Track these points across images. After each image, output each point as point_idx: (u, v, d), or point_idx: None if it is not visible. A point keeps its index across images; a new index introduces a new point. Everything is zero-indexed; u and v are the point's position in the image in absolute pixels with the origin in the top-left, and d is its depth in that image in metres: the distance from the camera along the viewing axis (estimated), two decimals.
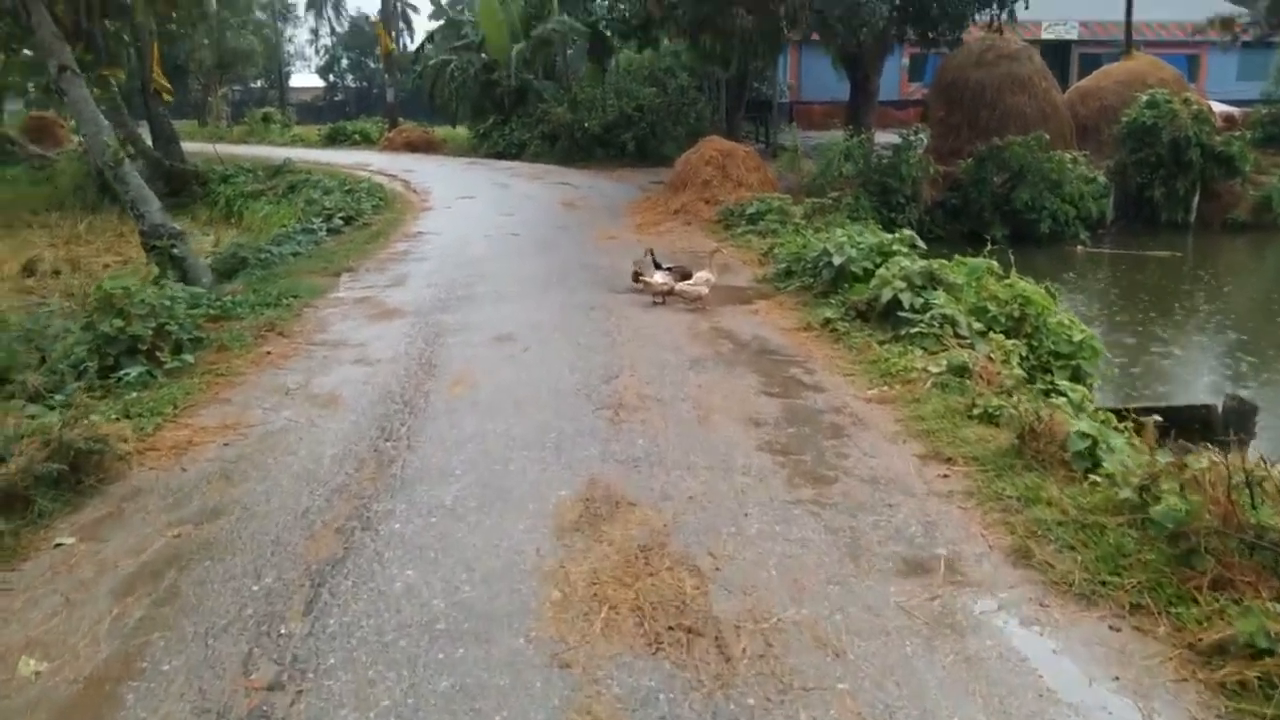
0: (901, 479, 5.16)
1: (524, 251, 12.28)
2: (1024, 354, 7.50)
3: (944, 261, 8.42)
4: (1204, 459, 4.15)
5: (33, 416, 5.18)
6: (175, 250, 11.00)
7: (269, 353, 7.37)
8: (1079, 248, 19.06)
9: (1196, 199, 21.09)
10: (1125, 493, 4.54)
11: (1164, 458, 4.43)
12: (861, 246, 9.32)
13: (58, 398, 5.70)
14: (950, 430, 5.77)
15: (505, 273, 10.80)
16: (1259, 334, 13.96)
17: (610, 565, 4.02)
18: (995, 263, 8.53)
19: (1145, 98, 20.76)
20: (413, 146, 31.90)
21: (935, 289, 8.01)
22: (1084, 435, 5.22)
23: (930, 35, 20.66)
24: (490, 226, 14.40)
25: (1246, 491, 4.03)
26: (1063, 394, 6.87)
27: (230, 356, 7.19)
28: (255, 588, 3.91)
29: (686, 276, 9.34)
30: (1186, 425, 7.87)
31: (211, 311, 8.36)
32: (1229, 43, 28.44)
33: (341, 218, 15.11)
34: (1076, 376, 7.74)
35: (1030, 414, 5.37)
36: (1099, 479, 4.84)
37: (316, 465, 5.16)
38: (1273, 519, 3.90)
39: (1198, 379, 12.01)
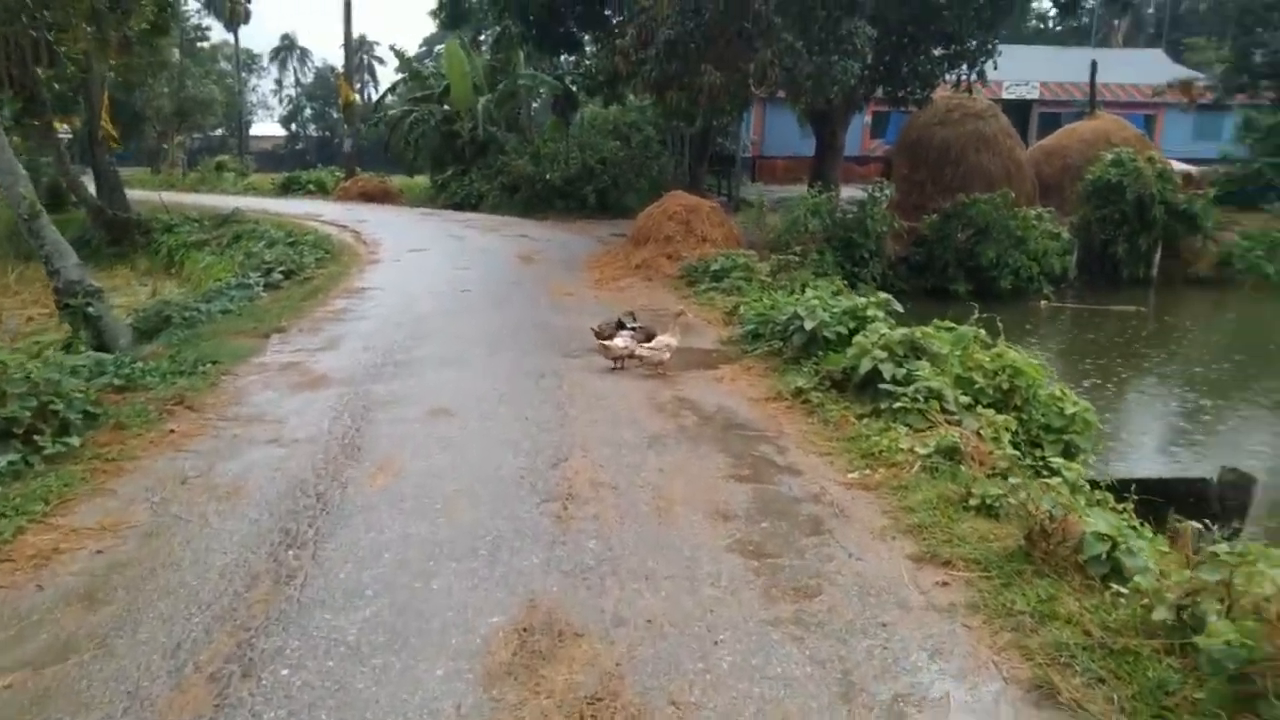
0: (895, 588, 4.43)
1: (473, 309, 11.49)
2: (1014, 429, 6.87)
3: (926, 330, 7.79)
4: (1267, 582, 3.44)
5: None
6: (90, 309, 10.08)
7: (172, 431, 6.48)
8: (1043, 303, 18.85)
9: (1159, 255, 21.04)
10: (1160, 613, 3.85)
11: (1211, 575, 3.73)
12: (834, 310, 8.68)
13: None
14: (945, 525, 5.08)
15: (451, 334, 9.99)
16: (1223, 387, 13.58)
17: None
18: (982, 330, 7.91)
19: (1110, 156, 20.73)
20: (368, 196, 31.16)
21: (918, 358, 7.38)
22: (1102, 537, 4.54)
23: (899, 94, 20.59)
24: (440, 281, 13.61)
25: None
26: (1056, 472, 6.20)
27: (126, 436, 6.28)
28: None
29: (650, 338, 8.65)
30: (1182, 500, 7.30)
31: (116, 381, 7.47)
32: (1188, 105, 28.79)
33: (281, 271, 14.26)
34: (1068, 452, 7.13)
35: (1041, 512, 4.67)
36: (1123, 591, 4.14)
37: (201, 581, 4.28)
38: None
39: (1168, 440, 11.51)
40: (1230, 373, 14.56)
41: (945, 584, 4.47)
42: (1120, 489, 6.10)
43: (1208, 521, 6.52)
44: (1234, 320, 19.76)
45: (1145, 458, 10.50)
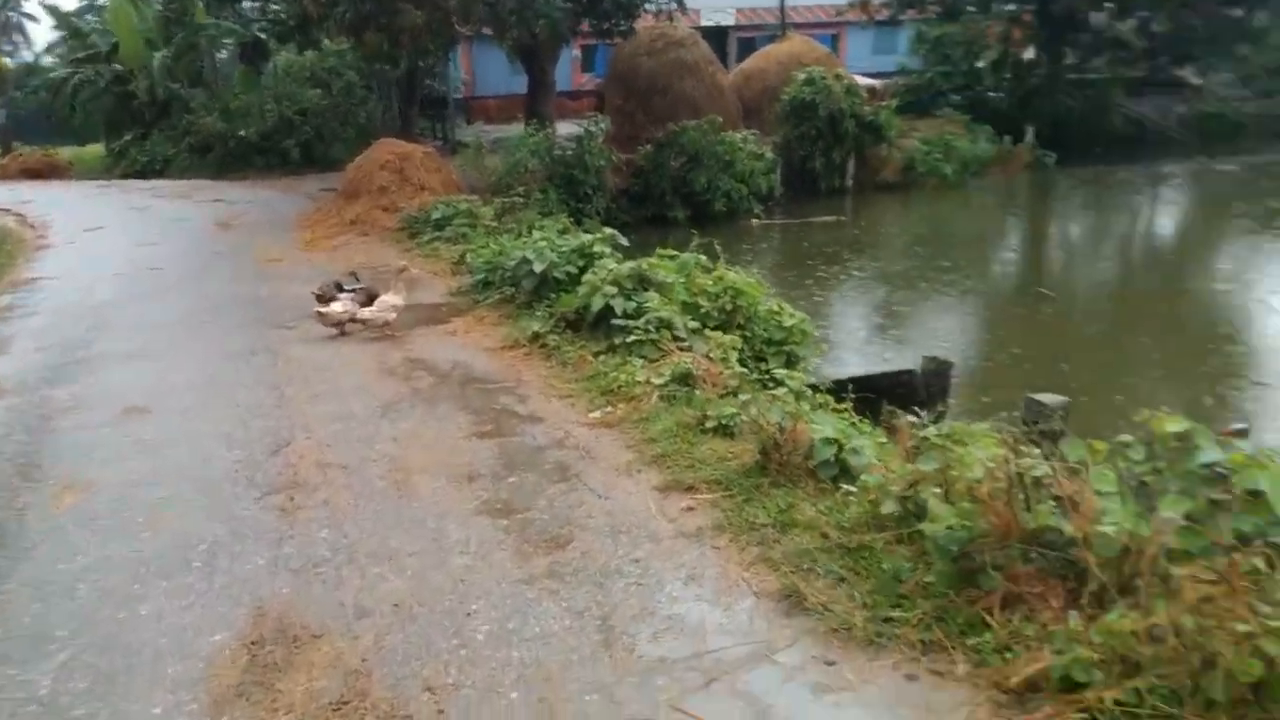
0: (644, 522, 4.46)
1: (166, 289, 10.29)
2: (740, 347, 7.13)
3: (651, 261, 7.88)
4: (977, 468, 3.71)
5: None
6: None
7: None
8: (754, 221, 19.80)
9: (852, 165, 22.64)
10: (888, 506, 4.09)
11: (928, 464, 3.99)
12: (563, 250, 8.58)
13: None
14: (686, 450, 5.19)
15: (141, 320, 8.89)
16: (915, 281, 15.01)
17: None
18: (703, 255, 8.12)
19: (803, 76, 21.90)
20: (32, 173, 27.21)
21: (647, 290, 7.45)
22: (829, 441, 4.77)
23: (604, 26, 20.68)
24: (123, 261, 12.07)
25: (1020, 494, 3.64)
26: (781, 383, 6.50)
27: None
28: None
29: (373, 299, 8.16)
30: (892, 392, 7.92)
31: None
32: (866, 22, 31.05)
33: None
34: (790, 362, 7.51)
35: (771, 425, 4.83)
36: (853, 490, 4.38)
37: None
38: (1049, 518, 3.52)
39: (876, 337, 12.57)
40: (919, 267, 16.06)
41: (691, 509, 4.54)
42: (838, 389, 6.47)
43: (916, 409, 7.10)
44: (919, 219, 21.79)
45: (858, 356, 11.36)
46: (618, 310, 7.18)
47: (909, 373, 9.03)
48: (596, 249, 8.69)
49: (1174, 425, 3.58)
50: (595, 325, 7.35)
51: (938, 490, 3.95)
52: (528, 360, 7.09)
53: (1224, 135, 27.77)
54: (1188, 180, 24.78)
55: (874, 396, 7.04)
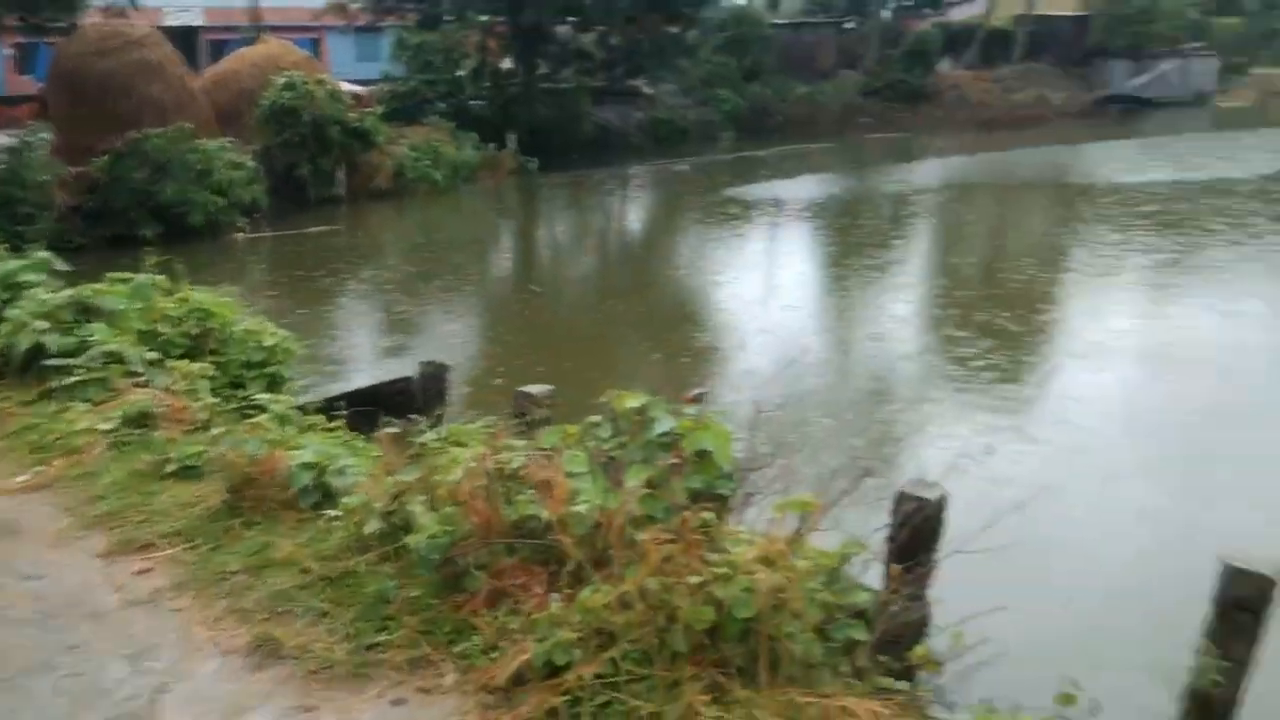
0: (85, 597, 3.81)
1: None
2: (212, 375, 6.45)
3: (96, 286, 6.84)
4: (458, 470, 3.65)
5: None
6: None
7: None
8: (238, 235, 18.52)
9: (343, 173, 22.09)
10: (372, 525, 3.88)
11: (410, 474, 3.86)
12: None
13: None
14: (140, 503, 4.55)
15: None
16: (412, 286, 15.14)
17: None
18: (162, 276, 7.23)
19: (282, 80, 20.86)
20: None
21: (91, 321, 6.44)
22: (308, 466, 4.43)
23: (36, 22, 17.84)
24: None
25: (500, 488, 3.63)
26: (263, 409, 5.98)
27: None
28: None
29: None
30: (392, 401, 7.74)
31: None
32: (345, 26, 30.44)
33: None
34: (274, 384, 6.98)
35: (242, 458, 4.37)
36: (337, 514, 4.10)
37: None
38: (529, 507, 3.55)
39: (378, 346, 12.43)
40: (418, 273, 16.19)
41: (147, 570, 3.98)
42: (330, 407, 6.14)
43: (414, 416, 6.98)
44: (414, 225, 21.97)
45: (363, 369, 11.04)
46: (52, 348, 6.12)
47: (406, 380, 8.88)
48: (24, 278, 7.36)
49: (633, 401, 3.83)
50: (24, 369, 6.21)
51: (423, 499, 3.84)
52: None
53: (673, 139, 31.86)
54: (648, 180, 27.97)
55: (374, 409, 6.78)
